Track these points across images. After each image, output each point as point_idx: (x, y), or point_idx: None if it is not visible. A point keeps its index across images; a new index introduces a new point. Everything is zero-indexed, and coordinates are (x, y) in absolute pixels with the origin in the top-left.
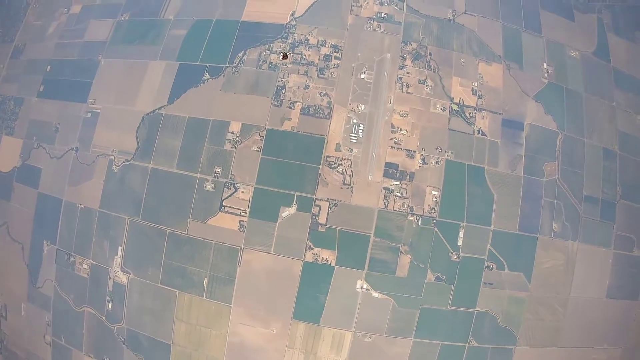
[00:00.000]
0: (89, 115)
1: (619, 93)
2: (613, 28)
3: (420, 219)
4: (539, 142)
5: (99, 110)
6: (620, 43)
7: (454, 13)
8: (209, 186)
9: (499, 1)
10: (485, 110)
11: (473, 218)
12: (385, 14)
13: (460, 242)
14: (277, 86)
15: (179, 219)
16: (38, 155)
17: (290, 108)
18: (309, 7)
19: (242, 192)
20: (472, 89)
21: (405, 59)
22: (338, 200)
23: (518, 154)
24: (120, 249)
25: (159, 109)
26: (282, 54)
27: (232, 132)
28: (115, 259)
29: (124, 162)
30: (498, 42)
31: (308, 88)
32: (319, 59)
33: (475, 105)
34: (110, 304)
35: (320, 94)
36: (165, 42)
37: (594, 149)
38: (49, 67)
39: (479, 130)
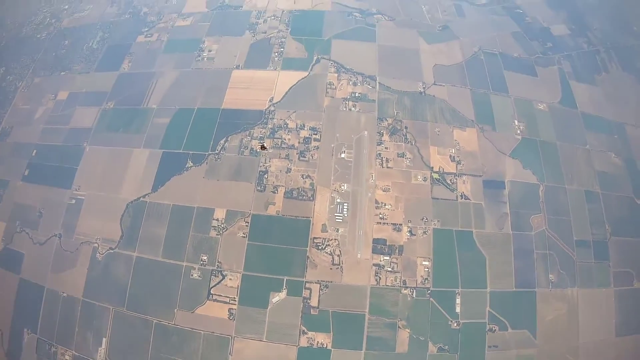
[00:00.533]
0: (73, 201)
1: (591, 135)
2: (574, 75)
3: (415, 291)
4: (522, 197)
5: (83, 197)
6: (583, 88)
7: (424, 86)
8: (195, 274)
9: (465, 69)
10: (465, 174)
11: (468, 283)
12: (359, 93)
13: (458, 309)
14: (260, 171)
15: (166, 309)
16: (21, 240)
17: (274, 192)
18: (286, 93)
19: (230, 279)
20: (450, 155)
21: (383, 135)
22: (329, 282)
23: (503, 212)
24: (104, 340)
25: (143, 196)
26: (260, 145)
27: (217, 219)
28: (99, 351)
29: (108, 250)
30: (469, 108)
31: (290, 171)
32: (299, 142)
33: (455, 171)
34: None
35: (302, 177)
36: (149, 130)
37: (576, 194)
38: (34, 152)
39: (462, 195)
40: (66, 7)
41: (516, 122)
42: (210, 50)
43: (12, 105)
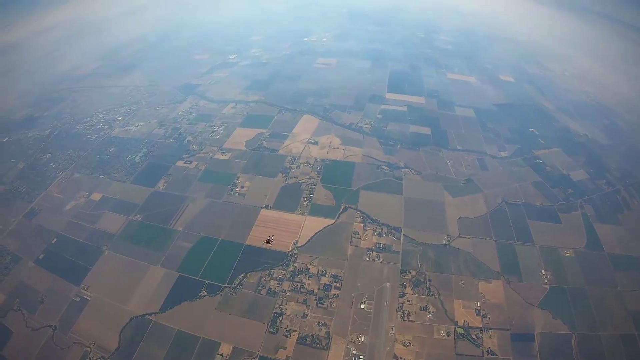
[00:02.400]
0: (78, 299)
1: (621, 276)
2: (597, 218)
3: None
4: (554, 349)
5: (89, 298)
6: (607, 229)
7: (449, 238)
8: None
9: (490, 220)
10: (491, 328)
11: None
12: (384, 244)
13: None
14: (275, 312)
15: None
16: (14, 318)
17: (286, 336)
18: (311, 238)
19: None
20: (476, 309)
21: (405, 287)
22: None
23: None
24: None
25: (150, 314)
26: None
27: (222, 354)
28: None
29: (100, 358)
30: (494, 259)
31: (306, 317)
32: (318, 288)
33: (480, 325)
34: None
35: (318, 324)
36: (170, 251)
37: (612, 340)
38: (54, 239)
39: (488, 351)
40: (120, 118)
41: (543, 271)
42: (242, 187)
43: (47, 190)
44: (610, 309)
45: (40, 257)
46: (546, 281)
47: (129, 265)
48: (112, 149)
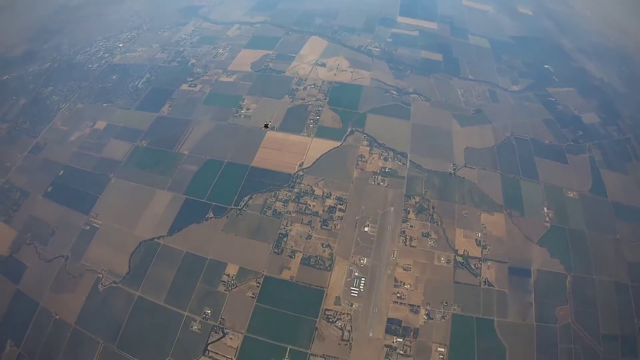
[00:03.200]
0: (88, 227)
1: (622, 225)
2: (604, 164)
3: None
4: (549, 287)
5: (98, 226)
6: (613, 176)
7: (454, 167)
8: (195, 326)
9: (496, 153)
10: (490, 260)
11: None
12: (389, 169)
13: None
14: (280, 234)
15: (158, 356)
16: (27, 252)
17: (291, 257)
18: (317, 160)
19: (231, 338)
20: (476, 239)
21: (409, 212)
22: (335, 357)
23: (528, 301)
24: None
25: (158, 238)
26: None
27: (228, 275)
28: None
29: (111, 283)
30: (498, 192)
31: (310, 238)
32: (323, 210)
33: (480, 256)
34: None
35: (322, 245)
36: (176, 175)
37: (605, 285)
38: (61, 172)
39: (485, 281)
40: (120, 45)
41: (545, 209)
42: (248, 109)
43: (50, 124)
44: (607, 256)
45: (49, 190)
46: (547, 219)
47: (136, 190)
48: (114, 77)
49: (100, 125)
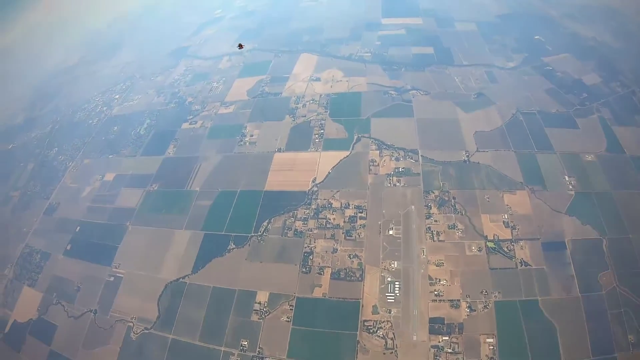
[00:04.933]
0: (112, 278)
1: None
2: (615, 120)
3: None
4: (586, 255)
5: (122, 275)
6: (626, 131)
7: (467, 154)
8: None
9: (506, 132)
10: (522, 239)
11: (539, 356)
12: (403, 168)
13: None
14: (304, 252)
15: None
16: (55, 312)
17: (320, 274)
18: (329, 173)
19: None
20: (504, 221)
21: (431, 208)
22: None
23: (569, 274)
24: None
25: (183, 277)
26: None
27: (260, 303)
28: None
29: (143, 330)
30: (516, 170)
31: (336, 252)
32: (344, 221)
33: (511, 237)
34: None
35: (349, 256)
36: (192, 212)
37: None
38: (78, 228)
39: (521, 262)
40: (117, 96)
41: (566, 177)
42: (252, 135)
43: (60, 183)
44: (638, 211)
45: (68, 247)
46: (571, 187)
47: (155, 234)
48: (116, 128)
49: (109, 176)
